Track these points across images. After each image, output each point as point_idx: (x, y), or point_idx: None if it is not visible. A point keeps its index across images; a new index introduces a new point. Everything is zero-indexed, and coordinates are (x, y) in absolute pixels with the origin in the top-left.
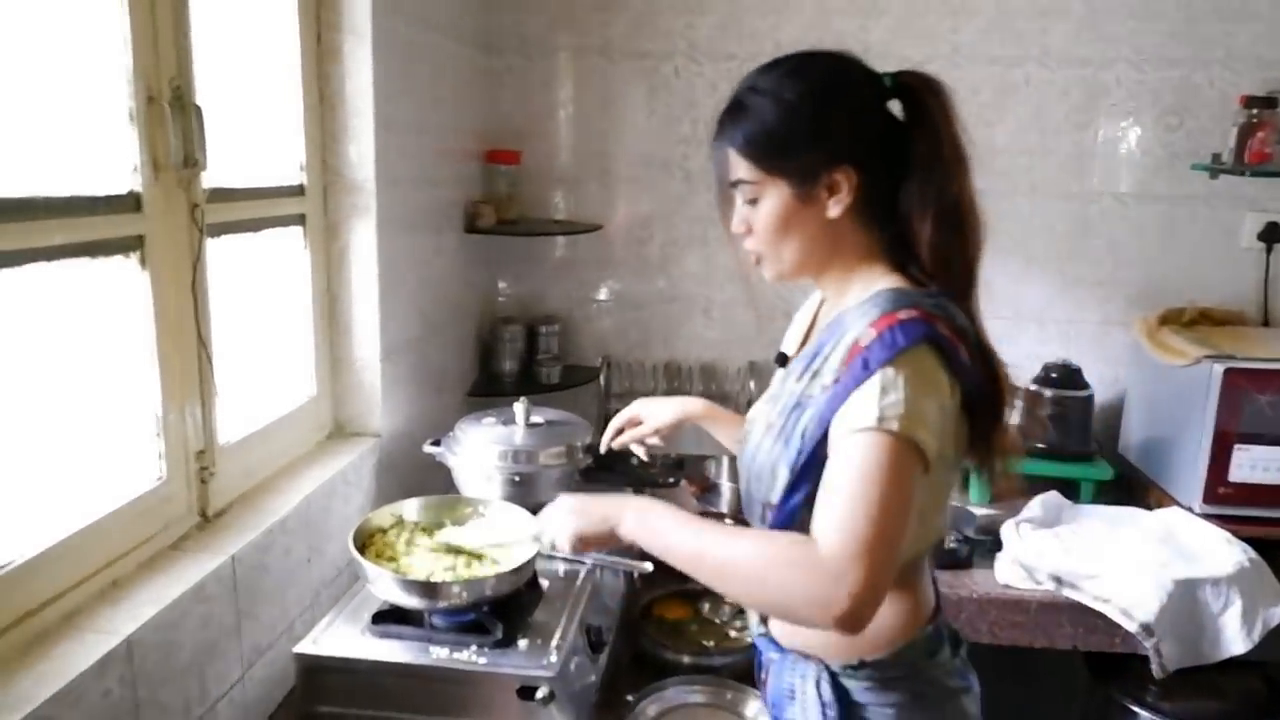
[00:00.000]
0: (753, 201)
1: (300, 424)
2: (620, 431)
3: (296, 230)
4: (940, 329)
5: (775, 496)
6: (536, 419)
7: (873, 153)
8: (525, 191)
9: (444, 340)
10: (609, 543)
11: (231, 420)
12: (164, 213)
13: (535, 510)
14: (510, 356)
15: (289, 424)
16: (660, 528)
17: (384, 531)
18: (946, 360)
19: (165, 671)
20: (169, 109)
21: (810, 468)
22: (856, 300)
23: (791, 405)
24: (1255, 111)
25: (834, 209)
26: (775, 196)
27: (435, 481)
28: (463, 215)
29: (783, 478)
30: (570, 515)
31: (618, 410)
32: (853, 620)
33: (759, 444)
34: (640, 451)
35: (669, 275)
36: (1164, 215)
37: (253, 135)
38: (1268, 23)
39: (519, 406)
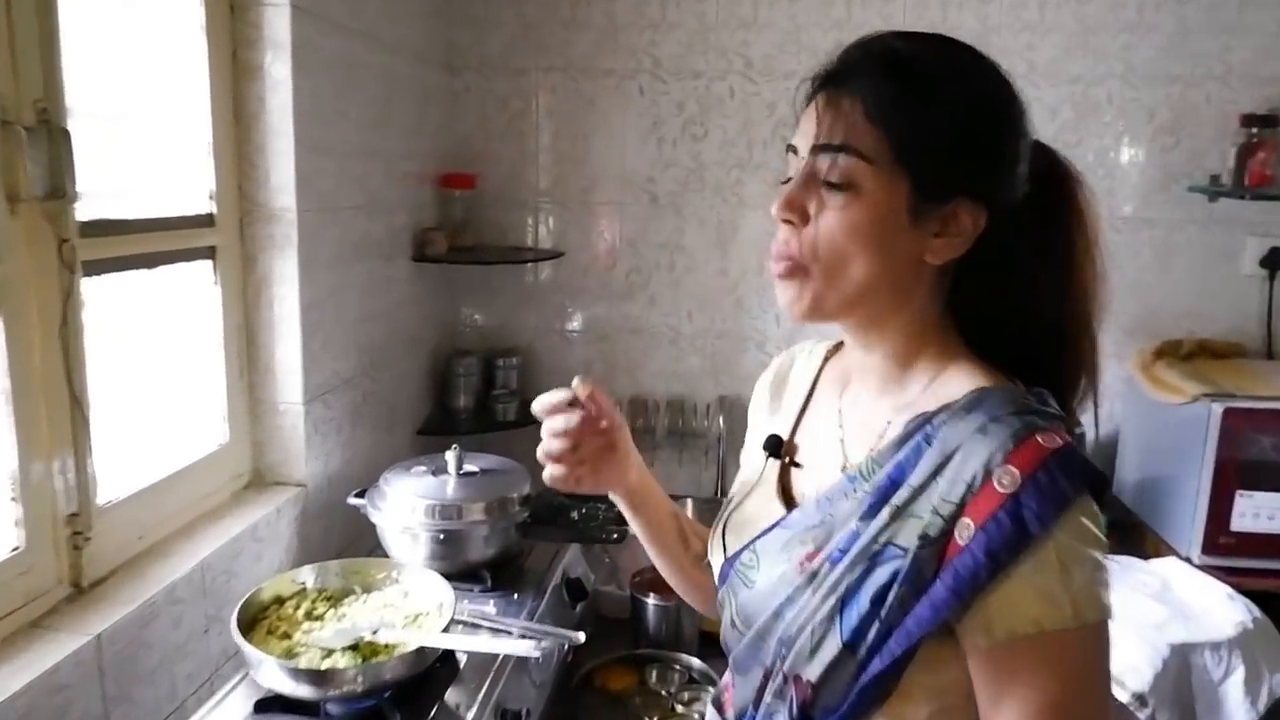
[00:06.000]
0: (842, 186)
1: (208, 475)
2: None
3: (205, 265)
4: (1083, 454)
5: (814, 673)
6: (471, 467)
7: (1008, 204)
8: (482, 217)
9: (393, 375)
10: None
11: (117, 476)
12: (24, 250)
13: (461, 573)
14: (466, 391)
15: (193, 476)
16: None
17: (281, 602)
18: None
19: None
20: (25, 134)
21: (896, 647)
22: (938, 396)
23: (858, 551)
24: (1255, 131)
25: (939, 252)
26: (882, 195)
27: (367, 535)
28: (411, 243)
29: (831, 650)
30: None
31: None
32: None
33: (778, 591)
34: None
35: (635, 305)
36: (1159, 240)
37: (148, 161)
38: (1268, 36)
39: (450, 455)
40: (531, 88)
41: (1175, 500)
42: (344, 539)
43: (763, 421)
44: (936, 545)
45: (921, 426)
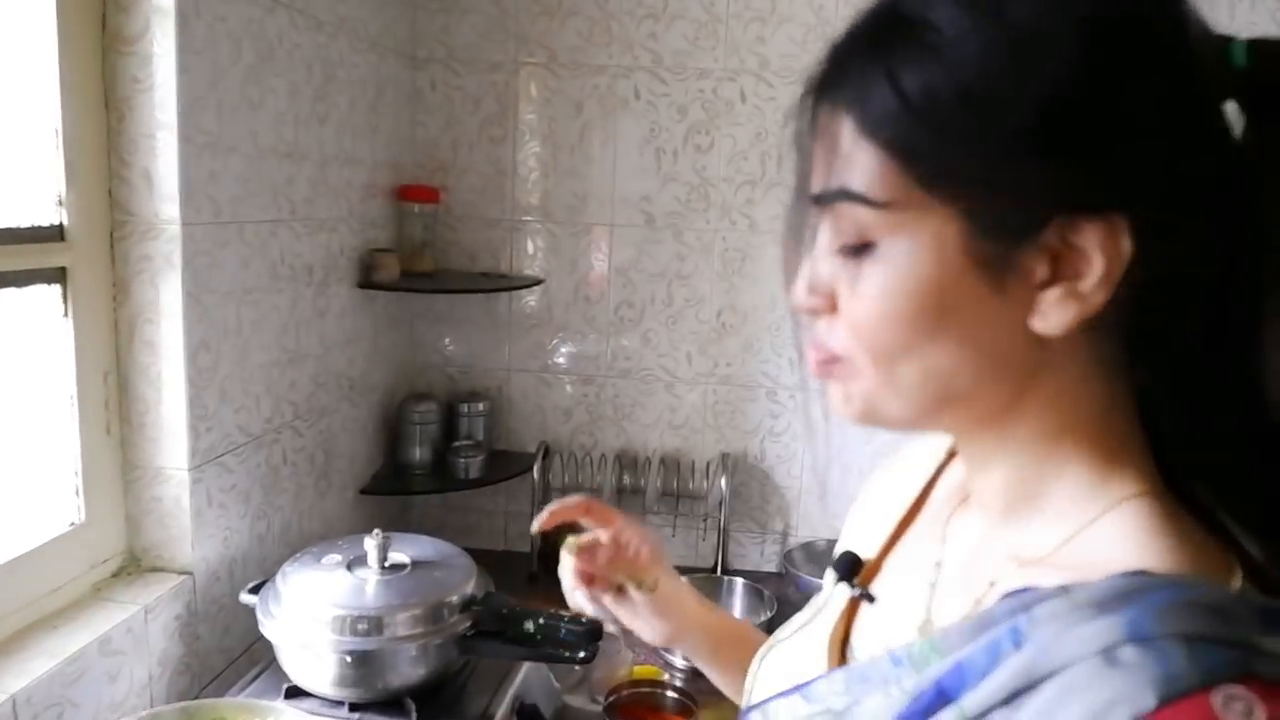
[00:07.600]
0: (860, 249)
1: (52, 565)
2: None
3: (51, 291)
4: None
5: None
6: (400, 557)
7: (1178, 199)
8: (447, 237)
9: (328, 427)
10: None
11: None
12: None
13: (379, 701)
14: (422, 443)
15: (26, 569)
16: None
17: None
18: None
19: None
20: None
21: None
22: (1076, 559)
23: None
24: None
25: (1053, 312)
26: (915, 250)
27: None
28: (356, 267)
29: None
30: None
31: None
32: None
33: None
34: (581, 598)
35: (626, 343)
36: None
37: None
38: None
39: (371, 543)
40: (508, 86)
41: None
42: (245, 644)
43: (854, 529)
44: None
45: (1019, 612)
